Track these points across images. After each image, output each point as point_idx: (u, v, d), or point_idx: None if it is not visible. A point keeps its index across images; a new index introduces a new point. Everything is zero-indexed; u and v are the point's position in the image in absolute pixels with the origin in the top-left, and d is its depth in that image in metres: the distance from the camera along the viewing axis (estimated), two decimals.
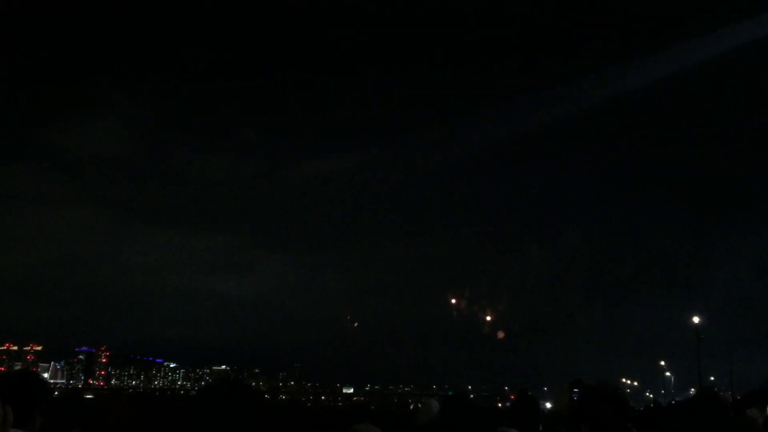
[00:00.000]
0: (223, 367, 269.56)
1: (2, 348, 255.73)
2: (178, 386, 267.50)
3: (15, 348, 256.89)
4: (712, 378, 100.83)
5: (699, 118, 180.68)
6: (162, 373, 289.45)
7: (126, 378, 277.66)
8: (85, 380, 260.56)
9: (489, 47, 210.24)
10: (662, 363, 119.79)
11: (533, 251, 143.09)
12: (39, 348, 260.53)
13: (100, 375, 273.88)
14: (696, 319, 64.93)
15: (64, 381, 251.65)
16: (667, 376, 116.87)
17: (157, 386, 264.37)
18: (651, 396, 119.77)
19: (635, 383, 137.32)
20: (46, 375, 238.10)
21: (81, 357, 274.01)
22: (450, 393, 5.65)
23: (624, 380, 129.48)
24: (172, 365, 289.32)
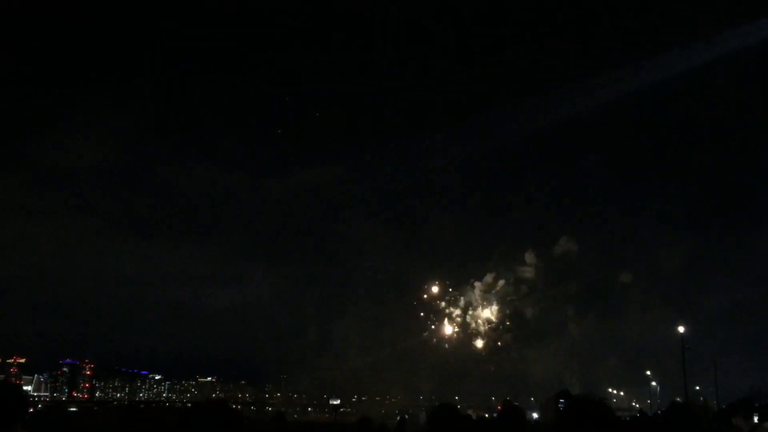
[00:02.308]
0: (209, 378, 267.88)
1: None
2: (163, 398, 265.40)
3: None
4: (698, 387, 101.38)
5: (701, 127, 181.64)
6: (147, 386, 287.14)
7: (111, 390, 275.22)
8: (69, 393, 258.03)
9: (478, 53, 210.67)
10: (648, 373, 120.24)
11: (528, 260, 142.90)
12: (22, 360, 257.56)
13: (84, 387, 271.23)
14: (681, 329, 65.32)
15: (47, 394, 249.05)
16: (653, 385, 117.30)
17: (143, 398, 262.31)
18: (637, 406, 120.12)
19: (621, 393, 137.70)
20: (29, 388, 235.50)
21: (65, 369, 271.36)
22: (437, 404, 5.63)
23: (610, 390, 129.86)
24: (157, 377, 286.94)
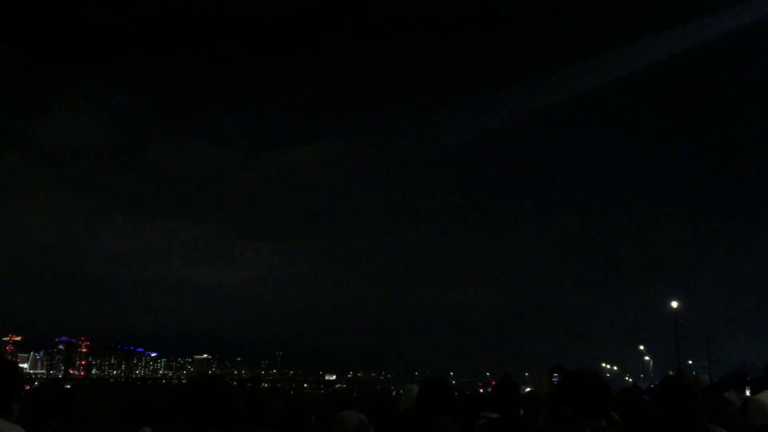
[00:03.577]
0: (205, 356, 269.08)
1: None
2: (159, 375, 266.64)
3: None
4: (691, 362, 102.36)
5: (698, 105, 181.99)
6: (143, 363, 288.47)
7: (107, 368, 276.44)
8: (65, 370, 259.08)
9: (478, 32, 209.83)
10: (641, 347, 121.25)
11: (528, 236, 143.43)
12: (18, 338, 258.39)
13: (80, 365, 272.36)
14: (674, 304, 65.73)
15: (44, 371, 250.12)
16: (646, 360, 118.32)
17: (139, 376, 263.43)
18: (630, 380, 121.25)
19: (615, 368, 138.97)
20: (25, 365, 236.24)
21: (61, 347, 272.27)
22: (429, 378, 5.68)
23: (603, 365, 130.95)
24: (153, 354, 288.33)
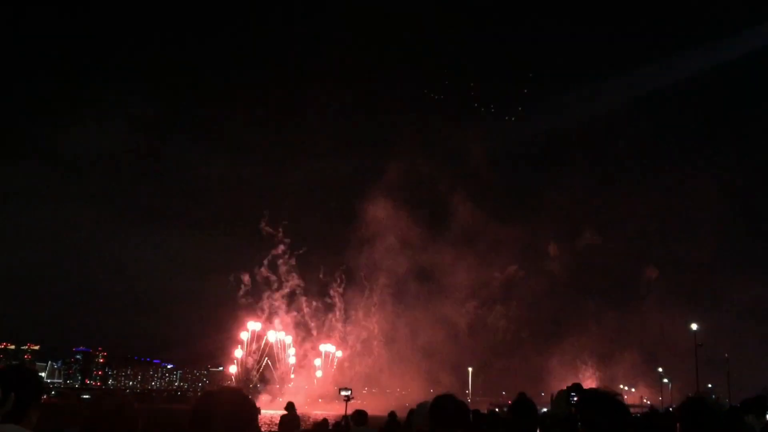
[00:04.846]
0: (221, 368, 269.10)
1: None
2: (175, 387, 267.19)
3: (12, 347, 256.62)
4: (710, 385, 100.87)
5: (726, 124, 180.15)
6: (159, 374, 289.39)
7: (123, 378, 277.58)
8: (82, 380, 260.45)
9: (487, 49, 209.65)
10: (660, 370, 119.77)
11: (551, 253, 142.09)
12: (36, 347, 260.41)
13: (97, 375, 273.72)
14: (694, 326, 64.96)
15: (61, 381, 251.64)
16: (665, 382, 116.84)
17: (155, 387, 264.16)
18: (648, 402, 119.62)
19: (633, 389, 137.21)
20: (43, 374, 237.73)
21: (78, 357, 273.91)
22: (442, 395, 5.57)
23: (621, 386, 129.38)
24: (169, 366, 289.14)
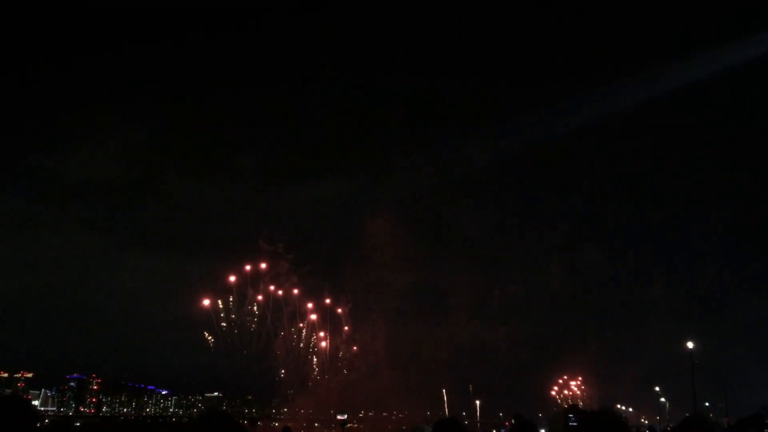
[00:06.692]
0: (216, 393, 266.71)
1: None
2: (169, 413, 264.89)
3: (5, 375, 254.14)
4: (707, 404, 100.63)
5: (728, 139, 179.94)
6: (154, 401, 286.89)
7: (117, 405, 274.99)
8: (76, 408, 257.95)
9: (484, 64, 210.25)
10: (657, 389, 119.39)
11: (552, 271, 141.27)
12: (30, 375, 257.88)
13: (91, 402, 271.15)
14: (690, 344, 64.88)
15: (54, 408, 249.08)
16: (662, 401, 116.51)
17: (149, 413, 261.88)
18: (646, 422, 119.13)
19: (630, 409, 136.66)
20: (36, 402, 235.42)
21: (72, 384, 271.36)
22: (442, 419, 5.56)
23: (618, 406, 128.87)
24: (163, 392, 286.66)
